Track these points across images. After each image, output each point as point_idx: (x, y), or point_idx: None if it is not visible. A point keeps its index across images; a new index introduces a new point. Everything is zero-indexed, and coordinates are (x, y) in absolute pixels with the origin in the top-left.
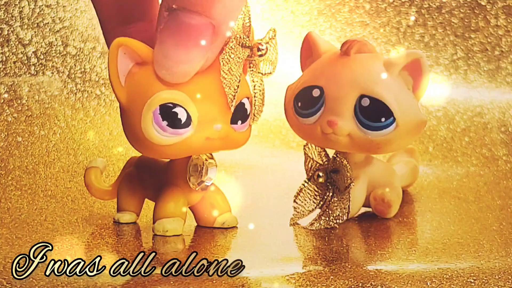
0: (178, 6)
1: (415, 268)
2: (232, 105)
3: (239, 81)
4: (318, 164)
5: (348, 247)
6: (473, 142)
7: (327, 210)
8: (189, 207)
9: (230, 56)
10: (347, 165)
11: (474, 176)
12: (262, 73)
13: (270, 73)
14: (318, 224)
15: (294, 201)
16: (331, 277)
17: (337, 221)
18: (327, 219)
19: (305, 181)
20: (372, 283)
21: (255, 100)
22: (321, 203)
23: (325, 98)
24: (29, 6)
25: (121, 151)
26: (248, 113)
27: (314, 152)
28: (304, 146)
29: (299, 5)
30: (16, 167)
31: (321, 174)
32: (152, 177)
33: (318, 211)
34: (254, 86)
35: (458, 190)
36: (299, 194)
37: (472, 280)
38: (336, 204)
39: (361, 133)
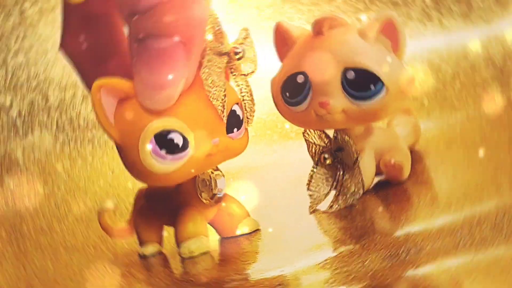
0: (145, 35)
1: (442, 222)
2: (223, 116)
3: (225, 90)
4: (321, 147)
5: (372, 220)
6: (465, 85)
7: (342, 189)
8: (208, 223)
9: (210, 69)
10: (349, 140)
11: (475, 118)
12: (245, 74)
13: (253, 71)
14: (337, 206)
15: (308, 188)
16: (364, 252)
17: (355, 197)
18: (345, 197)
19: (314, 167)
20: (405, 248)
21: (244, 103)
22: (335, 183)
23: (310, 82)
24: (0, 72)
25: (131, 186)
26: (241, 119)
27: (314, 136)
28: (303, 133)
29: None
30: (30, 229)
31: (326, 156)
32: (164, 203)
33: (333, 192)
34: (241, 89)
35: (463, 136)
36: (311, 181)
37: (500, 219)
38: (349, 181)
39: (354, 106)
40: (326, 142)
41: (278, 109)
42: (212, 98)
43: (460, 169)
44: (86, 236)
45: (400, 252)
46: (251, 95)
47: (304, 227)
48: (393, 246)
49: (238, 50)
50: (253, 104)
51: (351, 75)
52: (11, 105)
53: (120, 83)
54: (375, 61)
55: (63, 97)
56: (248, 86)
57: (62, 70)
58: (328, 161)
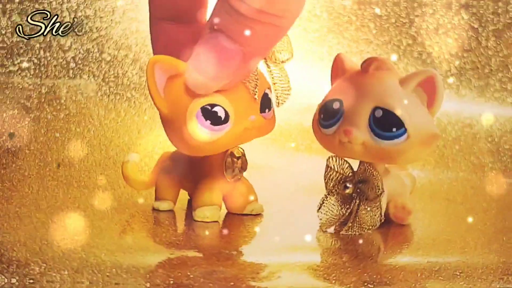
0: (219, 28)
1: (407, 261)
2: (255, 97)
3: (257, 75)
4: (341, 176)
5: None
6: (462, 150)
7: (356, 218)
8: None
9: None
10: (378, 175)
11: (462, 180)
12: (280, 61)
13: (288, 59)
14: (352, 232)
15: (318, 210)
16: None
17: (372, 228)
18: (361, 227)
19: (325, 195)
20: (369, 273)
21: (276, 88)
22: (348, 211)
23: (343, 110)
24: (69, 16)
25: (150, 149)
26: (271, 101)
27: (337, 164)
28: (328, 158)
29: (310, 23)
30: (53, 160)
31: (348, 185)
32: (188, 170)
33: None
34: (272, 74)
35: (448, 193)
36: (322, 205)
37: (458, 273)
38: (364, 212)
39: (374, 142)
40: (348, 172)
41: (313, 127)
42: (246, 81)
43: (436, 220)
44: (99, 179)
45: (364, 276)
46: (283, 79)
47: (290, 229)
48: (362, 269)
49: None
50: (287, 88)
51: (379, 113)
52: (69, 48)
53: (174, 62)
54: (405, 108)
55: (116, 55)
56: (280, 72)
57: (122, 32)
58: (348, 191)
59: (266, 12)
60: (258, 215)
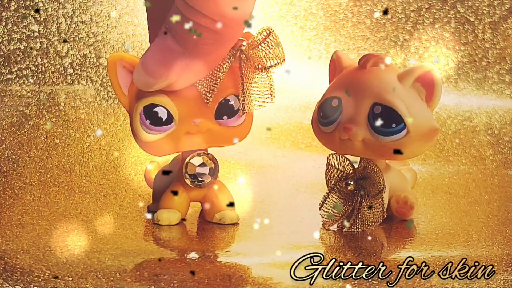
0: (168, 28)
1: (411, 255)
2: (207, 102)
3: (218, 79)
4: (342, 173)
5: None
6: (462, 143)
7: (358, 215)
8: (200, 201)
9: None
10: (379, 171)
11: (463, 173)
12: (265, 68)
13: (275, 65)
14: (354, 228)
15: (320, 208)
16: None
17: (374, 225)
18: (363, 224)
19: (327, 192)
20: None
21: (243, 92)
22: (350, 209)
23: (343, 107)
24: (65, 22)
25: (117, 155)
26: (236, 109)
27: (338, 162)
28: (328, 156)
29: (307, 21)
30: (54, 166)
31: (350, 182)
32: (171, 175)
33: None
34: (243, 79)
35: (449, 186)
36: (324, 202)
37: (462, 267)
38: (366, 209)
39: (374, 138)
40: (349, 170)
41: (312, 125)
42: (199, 84)
43: (438, 214)
44: (100, 185)
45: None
46: (264, 87)
47: (293, 227)
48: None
49: (243, 45)
50: (266, 97)
51: (378, 109)
52: (67, 54)
53: (133, 59)
54: (404, 103)
55: None
56: (263, 79)
57: (118, 36)
58: (350, 187)
59: (201, 12)
60: (234, 224)
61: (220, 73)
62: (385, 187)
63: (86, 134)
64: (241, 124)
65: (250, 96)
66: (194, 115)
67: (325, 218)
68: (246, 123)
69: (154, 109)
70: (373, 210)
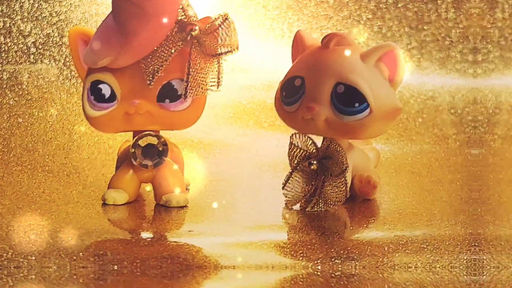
0: (112, 9)
1: (373, 235)
2: (149, 83)
3: (163, 61)
4: (305, 152)
5: (333, 223)
6: (425, 122)
7: (322, 195)
8: (151, 182)
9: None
10: (342, 150)
11: (426, 153)
12: (217, 54)
13: (228, 52)
14: (317, 208)
15: (283, 188)
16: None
17: (337, 204)
18: (326, 203)
19: (290, 172)
20: (336, 249)
21: (187, 77)
22: (313, 188)
23: (305, 87)
24: (28, 1)
25: (83, 130)
26: (179, 94)
27: (301, 141)
28: (291, 136)
29: (269, 0)
30: (17, 145)
31: (313, 161)
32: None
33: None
34: (189, 64)
35: (412, 165)
36: (287, 182)
37: (425, 246)
38: (329, 188)
39: (337, 118)
40: (312, 149)
41: (275, 106)
42: (144, 64)
43: (402, 193)
44: (63, 164)
45: (331, 252)
46: (210, 74)
47: (256, 207)
48: (327, 245)
49: (194, 29)
50: (212, 85)
51: (340, 89)
52: (29, 33)
53: (92, 33)
54: (367, 83)
55: None
56: (212, 66)
57: (81, 15)
58: (313, 167)
59: None
60: (184, 207)
61: (167, 56)
62: (348, 167)
63: (49, 113)
64: (185, 110)
65: (195, 82)
66: (135, 95)
67: (288, 198)
68: (191, 109)
69: (99, 86)
70: (336, 190)
